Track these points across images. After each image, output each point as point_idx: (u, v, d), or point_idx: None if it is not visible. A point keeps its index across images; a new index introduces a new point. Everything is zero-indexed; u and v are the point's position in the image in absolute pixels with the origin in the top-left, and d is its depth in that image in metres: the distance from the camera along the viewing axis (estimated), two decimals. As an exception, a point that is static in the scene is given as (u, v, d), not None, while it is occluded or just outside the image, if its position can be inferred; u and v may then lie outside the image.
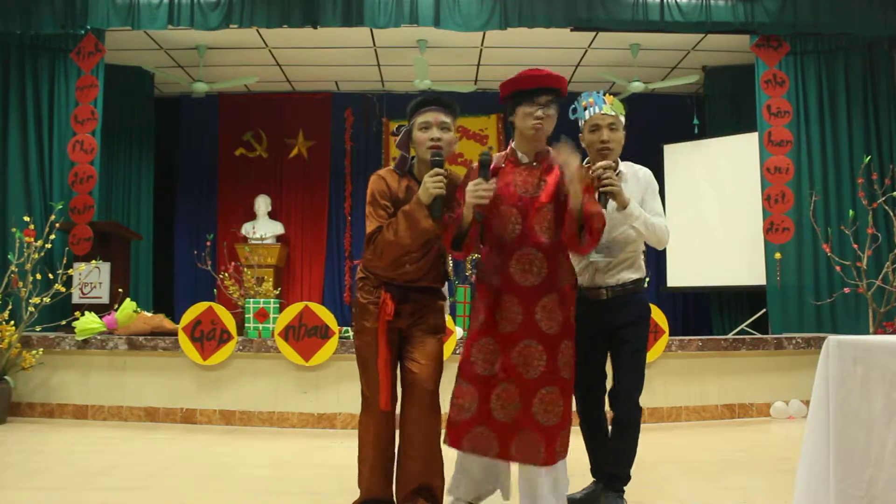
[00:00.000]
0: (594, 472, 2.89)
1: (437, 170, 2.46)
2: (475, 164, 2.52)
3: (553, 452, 2.41)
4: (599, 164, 2.58)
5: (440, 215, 2.46)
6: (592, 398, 2.80)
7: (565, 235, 2.46)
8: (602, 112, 2.73)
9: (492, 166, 2.50)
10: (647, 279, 2.87)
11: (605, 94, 2.77)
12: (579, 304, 2.64)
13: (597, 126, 2.72)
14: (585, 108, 2.75)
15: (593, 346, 2.74)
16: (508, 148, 2.62)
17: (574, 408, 2.65)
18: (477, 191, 2.38)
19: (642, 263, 2.85)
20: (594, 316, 2.71)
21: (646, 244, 2.88)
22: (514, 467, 2.55)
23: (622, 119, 2.77)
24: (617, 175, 2.67)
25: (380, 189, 2.63)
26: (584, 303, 2.70)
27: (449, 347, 4.88)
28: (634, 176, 2.82)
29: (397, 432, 2.68)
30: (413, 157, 2.69)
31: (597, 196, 2.51)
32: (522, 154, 2.56)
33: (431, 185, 2.43)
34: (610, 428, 2.78)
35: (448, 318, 4.97)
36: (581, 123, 2.79)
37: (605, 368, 2.83)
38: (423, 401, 2.60)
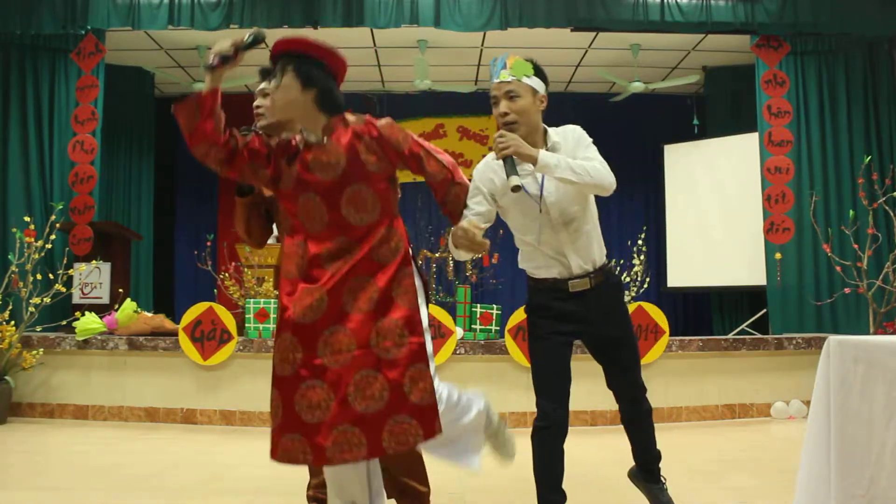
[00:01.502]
0: None
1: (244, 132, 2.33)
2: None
3: (379, 443, 2.07)
4: (494, 136, 2.26)
5: (245, 188, 2.54)
6: (567, 403, 2.41)
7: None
8: (498, 80, 2.31)
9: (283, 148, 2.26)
10: (612, 261, 2.55)
11: (508, 56, 2.35)
12: (543, 299, 2.41)
13: (495, 98, 2.34)
14: (492, 73, 2.36)
15: (564, 351, 2.41)
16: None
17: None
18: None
19: (600, 241, 2.49)
20: (562, 312, 2.39)
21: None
22: None
23: (528, 83, 2.31)
24: (550, 148, 2.34)
25: None
26: (549, 297, 2.40)
27: (449, 348, 4.88)
28: (564, 138, 2.38)
29: None
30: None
31: (504, 171, 2.20)
32: (309, 133, 2.24)
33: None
34: (624, 427, 2.63)
35: (448, 318, 4.97)
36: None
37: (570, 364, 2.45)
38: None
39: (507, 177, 2.18)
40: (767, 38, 6.45)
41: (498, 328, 5.12)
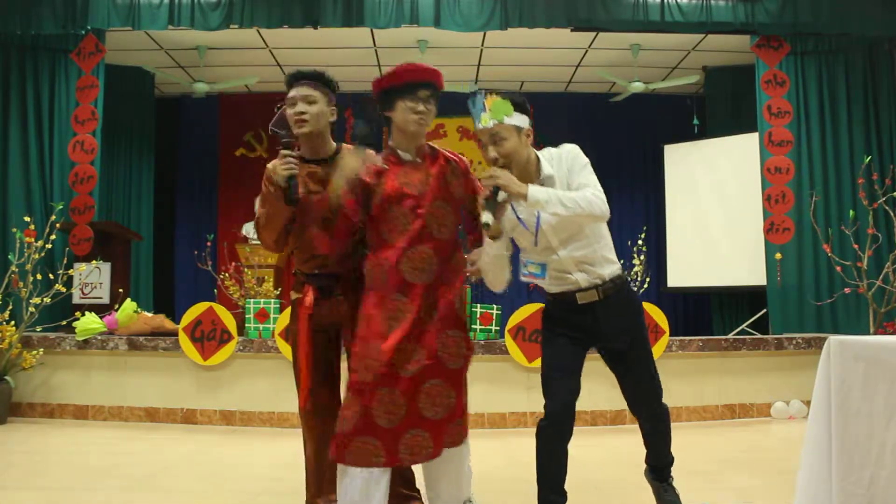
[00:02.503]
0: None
1: (285, 152, 2.52)
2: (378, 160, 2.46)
3: (441, 446, 2.35)
4: (482, 176, 2.33)
5: (295, 195, 2.49)
6: (573, 406, 2.42)
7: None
8: (481, 126, 2.36)
9: (375, 169, 2.42)
10: (623, 272, 2.55)
11: (486, 97, 2.36)
12: (554, 310, 2.51)
13: (482, 141, 2.40)
14: (473, 116, 2.40)
15: (574, 353, 2.46)
16: (386, 148, 2.50)
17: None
18: (288, 165, 2.53)
19: (612, 254, 2.50)
20: (573, 322, 2.46)
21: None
22: None
23: (510, 122, 2.34)
24: (544, 182, 2.37)
25: (263, 180, 2.66)
26: (561, 309, 2.48)
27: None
28: (558, 164, 2.41)
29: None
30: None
31: (483, 211, 2.28)
32: (403, 152, 2.45)
33: (282, 168, 2.49)
34: (640, 430, 2.67)
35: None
36: None
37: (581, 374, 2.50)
38: None
39: (481, 211, 2.27)
40: (767, 38, 6.45)
41: (498, 328, 5.12)
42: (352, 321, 2.49)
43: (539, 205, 2.27)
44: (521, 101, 2.40)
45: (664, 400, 2.59)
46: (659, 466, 2.67)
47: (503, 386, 4.89)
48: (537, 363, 4.83)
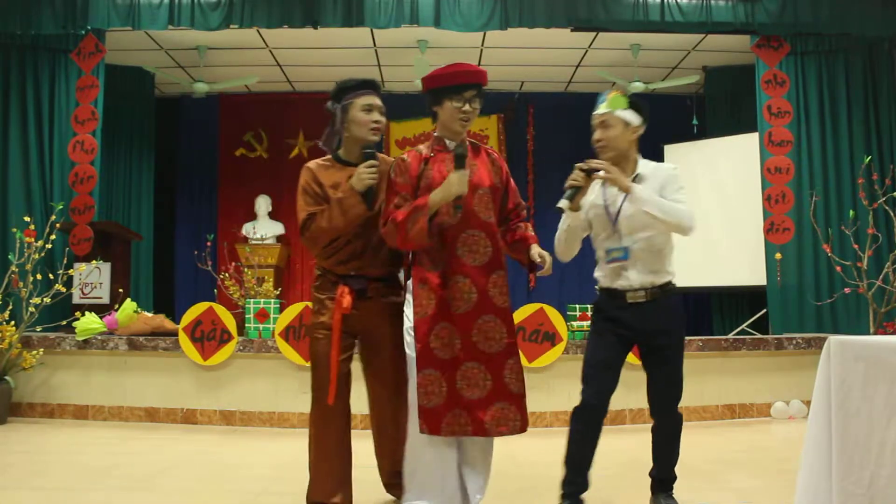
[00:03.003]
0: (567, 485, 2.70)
1: (371, 161, 2.60)
2: (407, 158, 2.62)
3: (526, 418, 2.52)
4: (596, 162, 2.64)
5: (373, 202, 2.61)
6: (608, 395, 2.65)
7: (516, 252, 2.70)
8: (595, 112, 2.75)
9: (423, 155, 2.62)
10: (674, 284, 2.75)
11: (610, 91, 2.77)
12: (604, 305, 2.73)
13: (593, 126, 2.76)
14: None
15: (616, 350, 2.68)
16: (433, 137, 2.68)
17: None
18: (463, 181, 2.47)
19: (670, 266, 2.73)
20: (620, 319, 2.67)
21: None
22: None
23: (620, 114, 2.69)
24: (636, 178, 2.69)
25: (306, 180, 2.79)
26: (611, 305, 2.71)
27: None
28: (654, 174, 2.72)
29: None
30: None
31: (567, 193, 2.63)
32: (450, 141, 2.64)
33: (366, 175, 2.57)
34: (652, 435, 2.79)
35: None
36: None
37: (620, 373, 2.71)
38: (391, 389, 2.77)
39: (563, 197, 2.61)
40: (767, 38, 6.45)
41: None
42: (382, 324, 2.73)
43: (639, 201, 2.57)
44: (637, 102, 2.74)
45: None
46: (664, 479, 2.77)
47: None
48: (538, 363, 4.83)
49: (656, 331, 2.66)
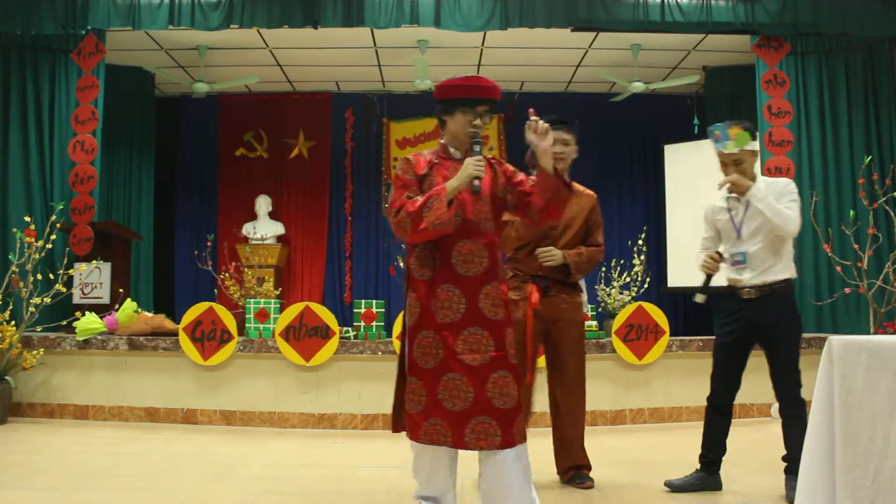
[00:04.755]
0: (702, 458, 3.21)
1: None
2: (412, 158, 2.63)
3: (511, 435, 2.42)
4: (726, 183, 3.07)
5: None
6: (728, 389, 3.17)
7: (533, 207, 2.57)
8: (726, 151, 3.05)
9: (426, 160, 2.62)
10: (791, 284, 3.13)
11: (729, 127, 3.05)
12: (727, 302, 3.10)
13: (724, 163, 3.08)
14: (716, 141, 3.09)
15: (739, 342, 3.09)
16: (439, 144, 2.69)
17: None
18: (479, 164, 2.44)
19: (791, 264, 3.10)
20: (737, 314, 3.07)
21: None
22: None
23: (748, 149, 3.04)
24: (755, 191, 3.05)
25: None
26: (731, 301, 3.08)
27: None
28: (769, 187, 3.07)
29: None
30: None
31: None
32: (454, 150, 2.64)
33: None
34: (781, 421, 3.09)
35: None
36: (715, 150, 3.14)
37: (744, 365, 3.15)
38: (572, 381, 3.29)
39: (698, 292, 3.12)
40: (768, 38, 6.45)
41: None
42: (561, 320, 3.29)
43: (755, 198, 3.00)
44: (753, 130, 3.07)
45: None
46: (793, 459, 2.93)
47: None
48: (542, 362, 4.83)
49: (767, 324, 3.01)
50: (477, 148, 2.50)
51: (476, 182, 2.42)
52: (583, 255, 3.38)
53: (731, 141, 3.02)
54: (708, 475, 3.17)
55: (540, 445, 3.17)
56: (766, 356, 3.10)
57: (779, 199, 3.02)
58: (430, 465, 2.54)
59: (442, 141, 2.68)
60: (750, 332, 3.08)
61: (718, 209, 3.23)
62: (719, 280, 3.23)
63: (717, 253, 3.12)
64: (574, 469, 3.30)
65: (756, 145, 3.10)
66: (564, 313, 3.34)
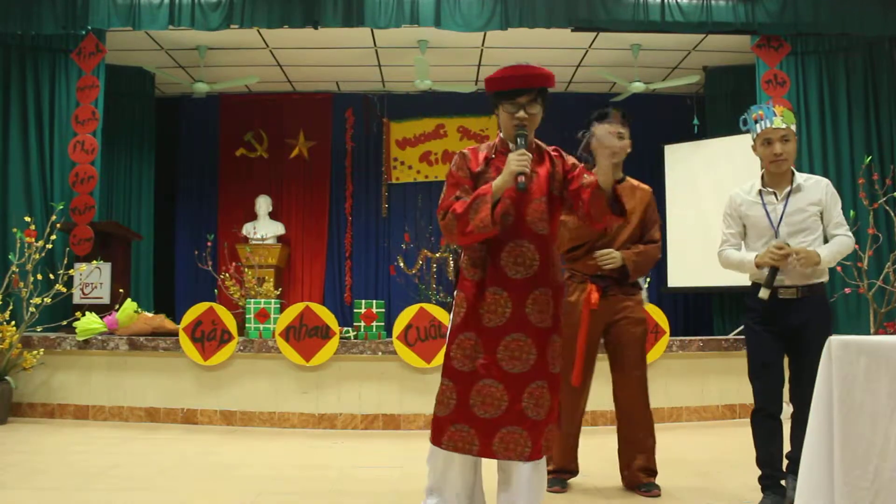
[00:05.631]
0: (763, 480, 3.00)
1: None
2: (468, 153, 2.52)
3: (539, 448, 2.36)
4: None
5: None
6: (776, 393, 3.01)
7: (590, 210, 2.38)
8: (773, 126, 2.91)
9: (483, 155, 2.51)
10: (826, 285, 3.01)
11: (774, 106, 2.96)
12: (757, 303, 2.90)
13: (769, 140, 2.92)
14: (756, 122, 2.97)
15: (776, 343, 2.92)
16: (497, 138, 2.57)
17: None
18: (521, 159, 2.30)
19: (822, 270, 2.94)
20: (770, 315, 2.89)
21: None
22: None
23: (794, 129, 2.92)
24: (793, 189, 2.91)
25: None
26: (763, 302, 2.87)
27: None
28: (811, 186, 2.94)
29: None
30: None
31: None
32: (513, 144, 2.47)
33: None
34: (790, 422, 3.00)
35: (448, 318, 4.97)
36: (752, 136, 3.03)
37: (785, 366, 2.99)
38: (636, 384, 3.21)
39: (765, 286, 2.84)
40: (768, 38, 6.44)
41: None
42: (621, 320, 3.19)
43: (827, 265, 2.88)
44: (796, 113, 2.86)
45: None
46: (795, 458, 2.85)
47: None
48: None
49: (801, 326, 2.84)
50: (520, 141, 2.37)
51: (521, 178, 2.27)
52: (641, 255, 3.27)
53: (779, 117, 2.91)
54: (776, 495, 2.93)
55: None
56: (789, 357, 2.97)
57: (828, 209, 2.90)
58: (444, 464, 2.44)
59: (500, 134, 2.56)
60: (783, 333, 2.92)
61: (749, 202, 3.00)
62: (736, 278, 3.17)
63: (784, 243, 2.87)
64: (643, 475, 3.21)
65: (794, 131, 2.99)
66: (626, 311, 3.23)
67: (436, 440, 2.39)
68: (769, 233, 2.92)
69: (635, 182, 3.40)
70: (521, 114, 2.41)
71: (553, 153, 2.56)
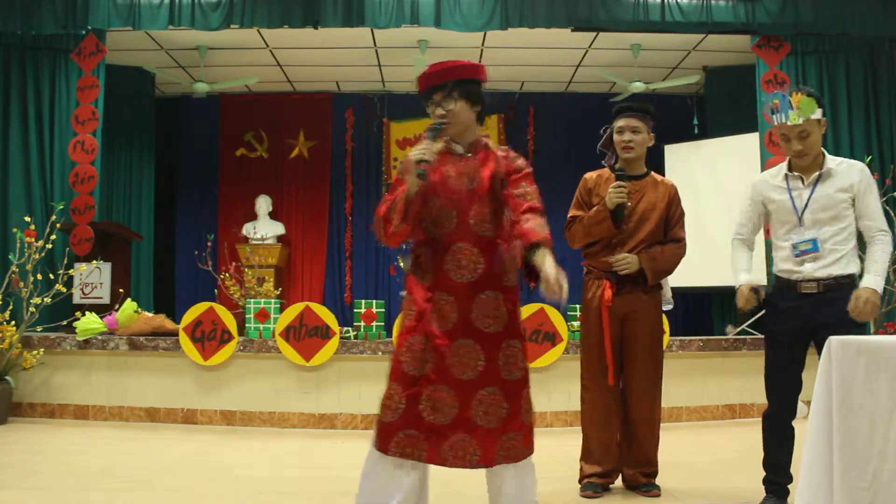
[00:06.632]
0: (768, 482, 2.85)
1: (619, 182, 2.90)
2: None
3: (489, 454, 2.23)
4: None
5: (621, 220, 2.92)
6: (791, 398, 2.76)
7: (508, 247, 2.28)
8: (789, 122, 2.70)
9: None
10: (854, 278, 2.75)
11: (791, 95, 2.71)
12: (784, 297, 2.77)
13: (786, 136, 2.75)
14: (773, 112, 2.75)
15: (796, 344, 2.73)
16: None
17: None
18: (420, 149, 2.24)
19: (857, 258, 2.75)
20: (799, 310, 2.71)
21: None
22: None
23: (815, 117, 2.68)
24: (823, 173, 2.73)
25: (581, 188, 3.27)
26: (791, 296, 2.74)
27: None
28: (847, 172, 2.74)
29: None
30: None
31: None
32: (456, 144, 2.39)
33: (614, 194, 2.87)
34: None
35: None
36: (773, 124, 2.80)
37: (802, 368, 2.78)
38: (645, 381, 3.14)
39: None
40: (768, 38, 6.45)
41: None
42: (637, 316, 3.14)
43: (880, 287, 2.62)
44: (819, 96, 2.72)
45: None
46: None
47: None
48: (539, 363, 4.83)
49: (825, 324, 2.60)
50: (429, 134, 2.27)
51: (421, 166, 2.19)
52: (658, 258, 3.13)
53: (795, 110, 2.66)
54: (779, 499, 2.79)
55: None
56: (804, 355, 2.80)
57: (862, 197, 2.70)
58: (388, 472, 2.25)
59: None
60: (805, 331, 2.72)
61: (775, 187, 2.84)
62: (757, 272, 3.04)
63: (754, 289, 2.77)
64: (643, 475, 3.17)
65: (821, 113, 2.71)
66: (640, 308, 3.14)
67: (382, 446, 2.23)
68: (793, 219, 2.76)
69: (659, 177, 3.31)
70: (439, 111, 2.32)
71: (500, 154, 2.43)
